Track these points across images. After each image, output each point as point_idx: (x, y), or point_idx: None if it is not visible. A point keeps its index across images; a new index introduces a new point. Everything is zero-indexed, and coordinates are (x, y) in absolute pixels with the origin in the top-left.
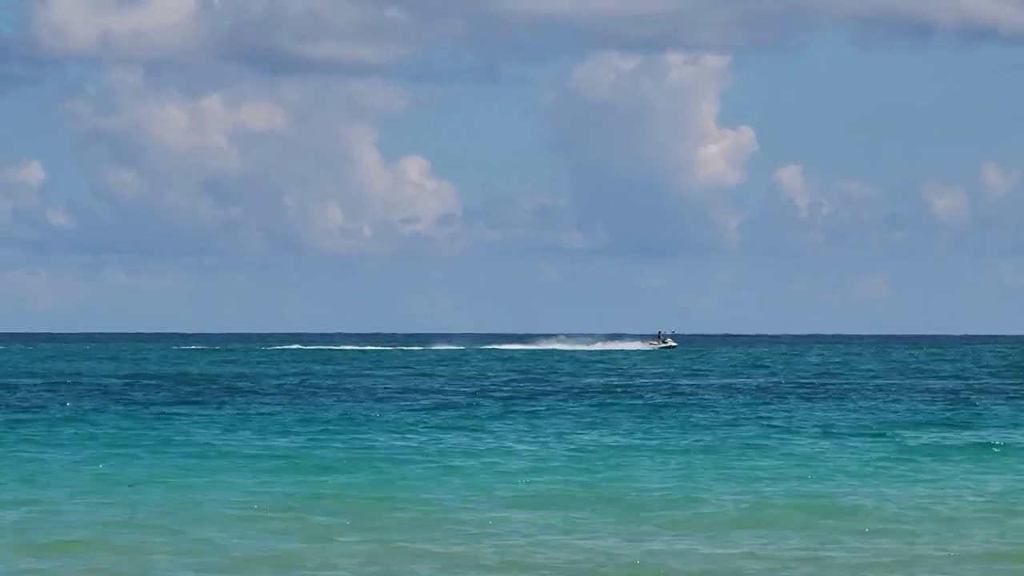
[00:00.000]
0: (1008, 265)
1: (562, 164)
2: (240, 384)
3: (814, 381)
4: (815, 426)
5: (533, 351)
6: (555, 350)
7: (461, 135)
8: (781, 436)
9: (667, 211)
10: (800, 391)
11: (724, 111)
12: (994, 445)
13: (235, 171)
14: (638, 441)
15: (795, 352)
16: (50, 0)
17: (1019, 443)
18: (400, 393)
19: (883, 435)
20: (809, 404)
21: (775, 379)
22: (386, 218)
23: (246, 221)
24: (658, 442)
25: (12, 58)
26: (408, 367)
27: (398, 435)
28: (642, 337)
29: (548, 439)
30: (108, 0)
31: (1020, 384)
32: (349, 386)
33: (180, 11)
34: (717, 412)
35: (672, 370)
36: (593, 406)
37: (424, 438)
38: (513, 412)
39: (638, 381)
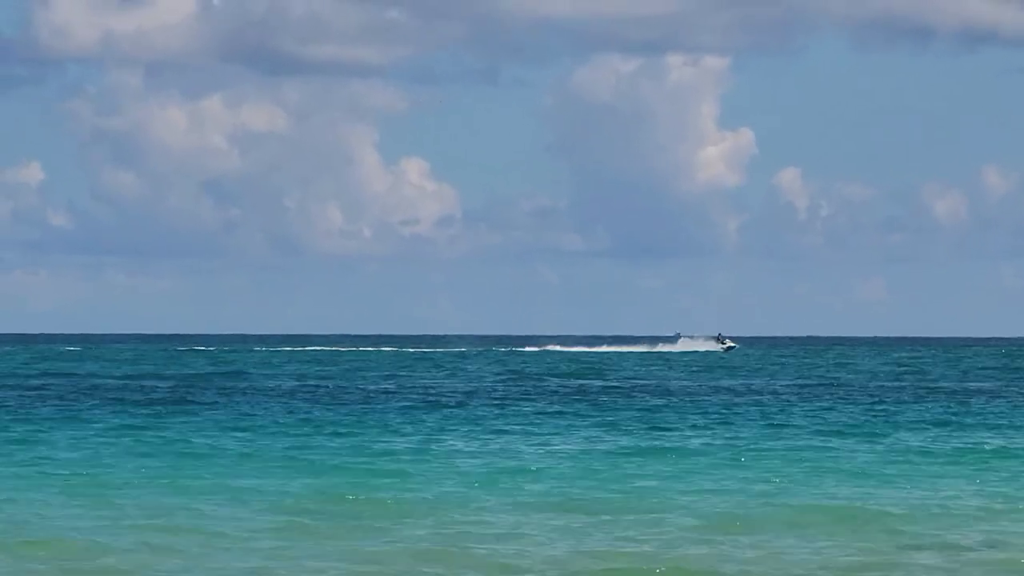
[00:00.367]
0: (1008, 268)
1: (562, 166)
2: (237, 384)
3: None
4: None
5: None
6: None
7: (461, 137)
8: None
9: (667, 213)
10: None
11: (724, 113)
12: None
13: (235, 172)
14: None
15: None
16: (51, 1)
17: None
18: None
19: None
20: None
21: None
22: (386, 220)
23: (246, 222)
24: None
25: (13, 58)
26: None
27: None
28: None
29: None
30: (109, 1)
31: None
32: (357, 385)
33: (181, 12)
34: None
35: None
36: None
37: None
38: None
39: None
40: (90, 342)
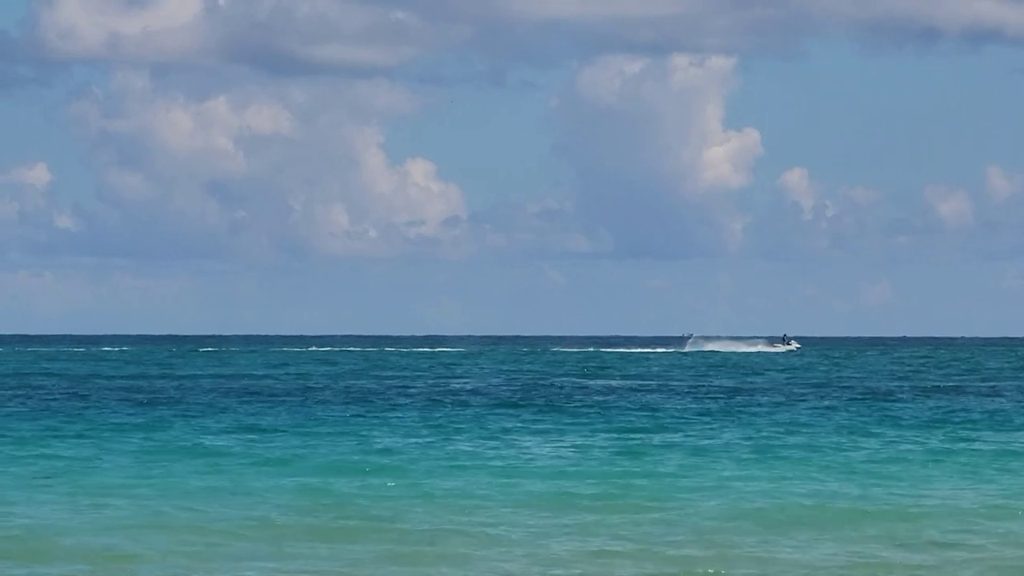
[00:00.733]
0: (1013, 269)
1: (568, 167)
2: (241, 385)
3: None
4: None
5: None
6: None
7: (467, 138)
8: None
9: (672, 214)
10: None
11: (729, 114)
12: None
13: (241, 174)
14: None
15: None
16: (57, 2)
17: None
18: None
19: None
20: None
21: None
22: (391, 221)
23: (252, 224)
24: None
25: (19, 60)
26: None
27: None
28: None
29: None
30: (115, 2)
31: None
32: (362, 385)
33: (186, 13)
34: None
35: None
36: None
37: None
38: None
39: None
40: (96, 344)
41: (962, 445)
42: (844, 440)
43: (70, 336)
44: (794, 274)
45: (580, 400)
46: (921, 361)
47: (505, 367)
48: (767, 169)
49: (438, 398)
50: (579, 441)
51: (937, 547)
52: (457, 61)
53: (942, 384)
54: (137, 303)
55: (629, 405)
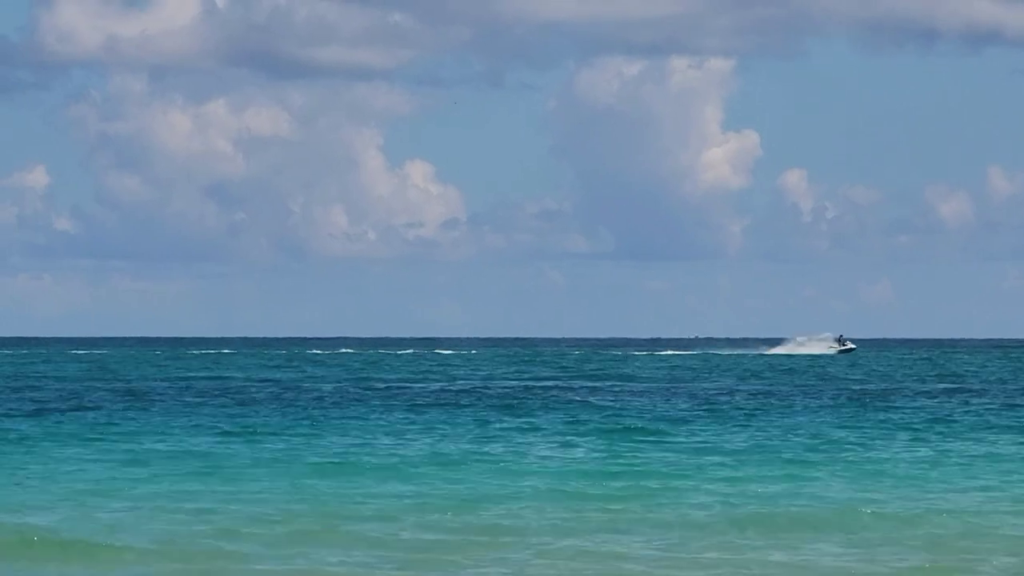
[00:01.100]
0: (1014, 269)
1: (567, 168)
2: (241, 387)
3: None
4: None
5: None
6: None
7: (466, 140)
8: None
9: (672, 215)
10: None
11: (729, 115)
12: None
13: (240, 176)
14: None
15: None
16: (56, 5)
17: None
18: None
19: None
20: None
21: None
22: (391, 222)
23: (251, 226)
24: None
25: (17, 63)
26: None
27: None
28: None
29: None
30: (113, 5)
31: None
32: (362, 387)
33: (185, 16)
34: None
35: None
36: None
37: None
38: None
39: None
40: (95, 346)
41: (970, 447)
42: (853, 441)
43: (69, 339)
44: (793, 275)
45: (586, 400)
46: (922, 362)
47: (514, 367)
48: (766, 170)
49: (439, 398)
50: (583, 440)
51: (945, 551)
52: (456, 63)
53: (949, 386)
54: (136, 305)
55: (640, 405)
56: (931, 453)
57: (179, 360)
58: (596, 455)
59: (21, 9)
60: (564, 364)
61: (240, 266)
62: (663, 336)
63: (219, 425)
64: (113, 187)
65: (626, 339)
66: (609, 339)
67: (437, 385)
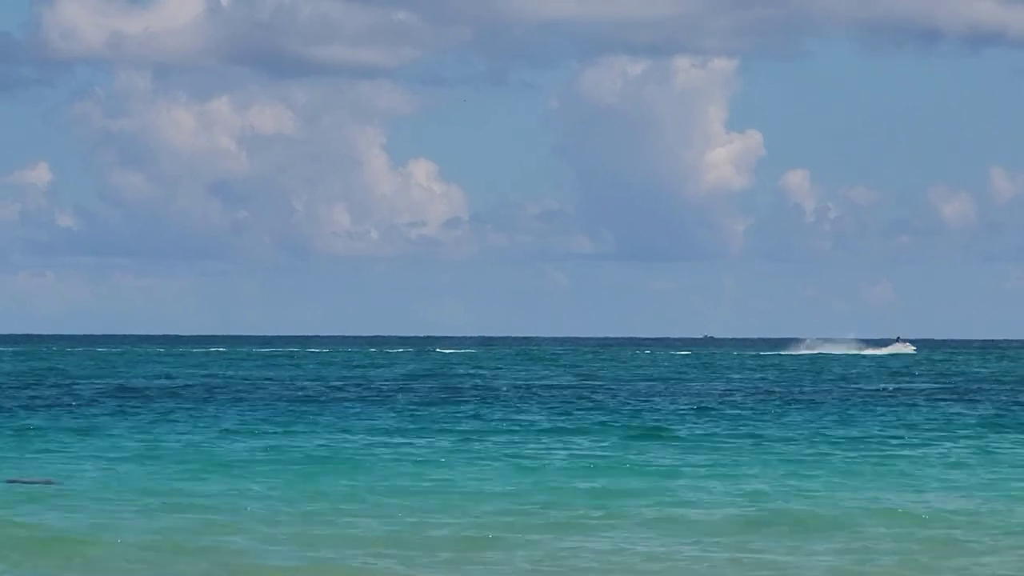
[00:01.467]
0: (1016, 270)
1: (569, 168)
2: (241, 386)
3: None
4: None
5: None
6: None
7: (469, 139)
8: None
9: (674, 215)
10: None
11: (731, 115)
12: None
13: (243, 174)
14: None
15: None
16: (59, 2)
17: None
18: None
19: None
20: None
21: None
22: (393, 221)
23: (254, 224)
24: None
25: (21, 60)
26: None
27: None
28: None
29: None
30: (117, 2)
31: None
32: (362, 385)
33: (189, 14)
34: None
35: None
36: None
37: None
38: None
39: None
40: (97, 343)
41: (970, 447)
42: (854, 441)
43: (71, 336)
44: (796, 275)
45: (593, 399)
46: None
47: (515, 366)
48: (769, 170)
49: (439, 398)
50: (587, 440)
51: (945, 550)
52: (458, 62)
53: (949, 386)
54: (139, 303)
55: (652, 405)
56: (932, 453)
57: (180, 357)
58: (597, 454)
59: (24, 6)
60: (565, 363)
61: (243, 264)
62: (666, 336)
63: (220, 423)
64: (116, 184)
65: (630, 338)
66: (614, 338)
67: (437, 383)
